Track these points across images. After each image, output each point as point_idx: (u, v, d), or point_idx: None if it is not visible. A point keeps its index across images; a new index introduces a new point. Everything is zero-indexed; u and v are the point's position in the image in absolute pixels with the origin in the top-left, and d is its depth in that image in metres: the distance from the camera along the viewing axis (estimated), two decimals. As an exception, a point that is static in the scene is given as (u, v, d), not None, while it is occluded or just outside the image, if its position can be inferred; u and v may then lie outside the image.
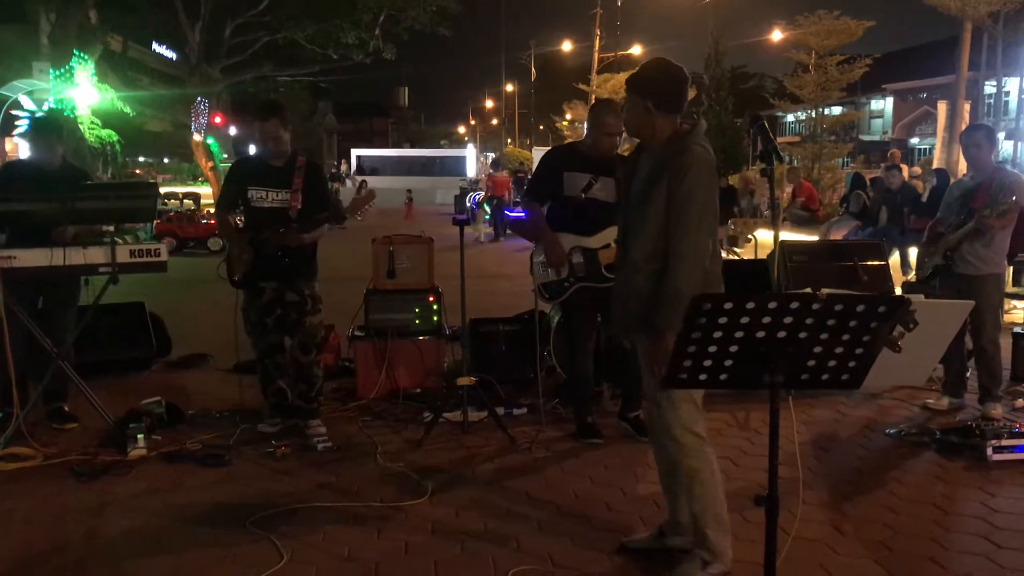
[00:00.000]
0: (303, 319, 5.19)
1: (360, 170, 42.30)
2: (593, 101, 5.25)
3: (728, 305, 2.33)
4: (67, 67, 18.39)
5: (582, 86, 38.94)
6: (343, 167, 46.37)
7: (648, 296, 3.32)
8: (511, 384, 6.08)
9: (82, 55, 18.96)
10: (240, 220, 5.39)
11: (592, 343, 5.23)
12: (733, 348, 2.41)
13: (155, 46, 41.17)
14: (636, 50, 42.33)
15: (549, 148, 5.96)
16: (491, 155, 48.38)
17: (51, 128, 5.40)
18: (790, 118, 39.49)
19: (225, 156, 37.58)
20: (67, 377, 5.29)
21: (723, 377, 2.49)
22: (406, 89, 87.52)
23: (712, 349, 2.41)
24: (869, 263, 6.76)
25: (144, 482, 4.48)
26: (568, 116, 47.29)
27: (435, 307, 6.14)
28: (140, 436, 4.93)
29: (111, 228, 5.59)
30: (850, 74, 23.56)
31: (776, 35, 31.16)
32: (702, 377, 2.49)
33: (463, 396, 5.18)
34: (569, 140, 48.24)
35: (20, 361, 5.10)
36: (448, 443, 5.08)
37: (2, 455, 4.73)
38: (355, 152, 46.62)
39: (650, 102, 3.36)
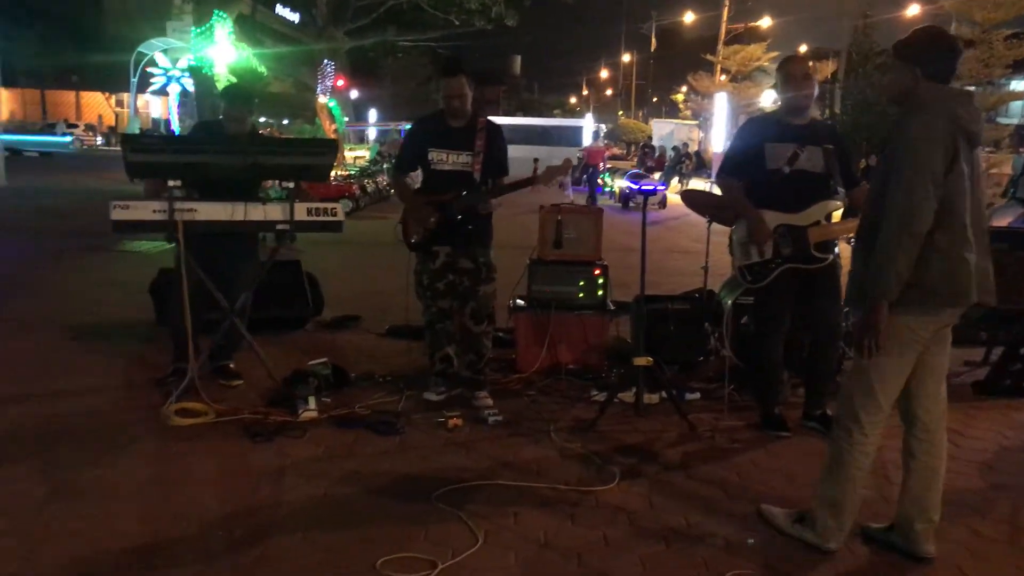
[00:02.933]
0: (477, 287, 5.02)
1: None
2: (783, 62, 4.70)
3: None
4: (208, 25, 18.72)
5: (709, 56, 37.79)
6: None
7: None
8: (677, 366, 5.80)
9: (221, 13, 19.29)
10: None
11: (785, 329, 4.89)
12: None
13: (279, 8, 41.97)
14: (766, 21, 40.94)
15: (748, 118, 5.57)
16: (602, 127, 47.76)
17: (243, 98, 5.29)
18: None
19: (346, 119, 38.18)
20: (237, 335, 5.26)
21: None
22: (519, 58, 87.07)
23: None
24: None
25: (319, 446, 4.39)
26: (683, 91, 46.22)
27: (601, 281, 5.88)
28: (311, 398, 4.86)
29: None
30: (1018, 50, 21.82)
31: (931, 7, 29.38)
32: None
33: (638, 377, 4.92)
34: (684, 113, 47.03)
35: (196, 316, 5.08)
36: (623, 425, 4.83)
37: (177, 409, 4.72)
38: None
39: (918, 69, 3.17)
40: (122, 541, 3.32)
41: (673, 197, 22.60)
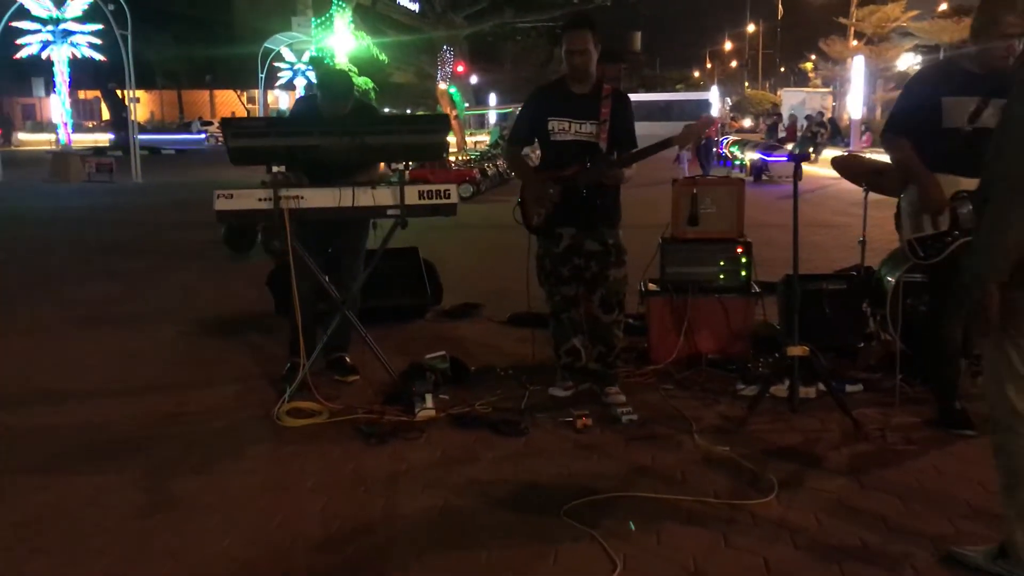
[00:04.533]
0: (606, 272, 4.54)
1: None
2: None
3: None
4: (327, 15, 18.83)
5: (842, 20, 35.86)
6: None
7: None
8: (833, 353, 5.16)
9: (340, 3, 19.39)
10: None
11: (964, 311, 4.20)
12: None
13: (399, -1, 42.34)
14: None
15: (920, 69, 4.85)
16: (728, 100, 46.15)
17: (339, 89, 4.83)
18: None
19: (467, 105, 38.22)
20: (350, 326, 4.95)
21: None
22: (639, 34, 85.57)
23: None
24: None
25: (437, 449, 4.01)
26: (812, 59, 44.13)
27: (744, 260, 5.30)
28: (428, 395, 4.50)
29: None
30: None
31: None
32: None
33: (793, 368, 4.33)
34: (814, 82, 44.89)
35: (307, 309, 4.80)
36: (776, 424, 4.26)
37: (288, 409, 4.44)
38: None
39: None
40: (221, 563, 3.01)
41: (810, 168, 21.44)
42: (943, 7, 38.16)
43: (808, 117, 28.96)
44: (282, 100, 50.12)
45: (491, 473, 3.75)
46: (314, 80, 23.06)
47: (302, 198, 4.38)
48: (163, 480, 3.70)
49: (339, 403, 4.59)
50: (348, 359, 5.19)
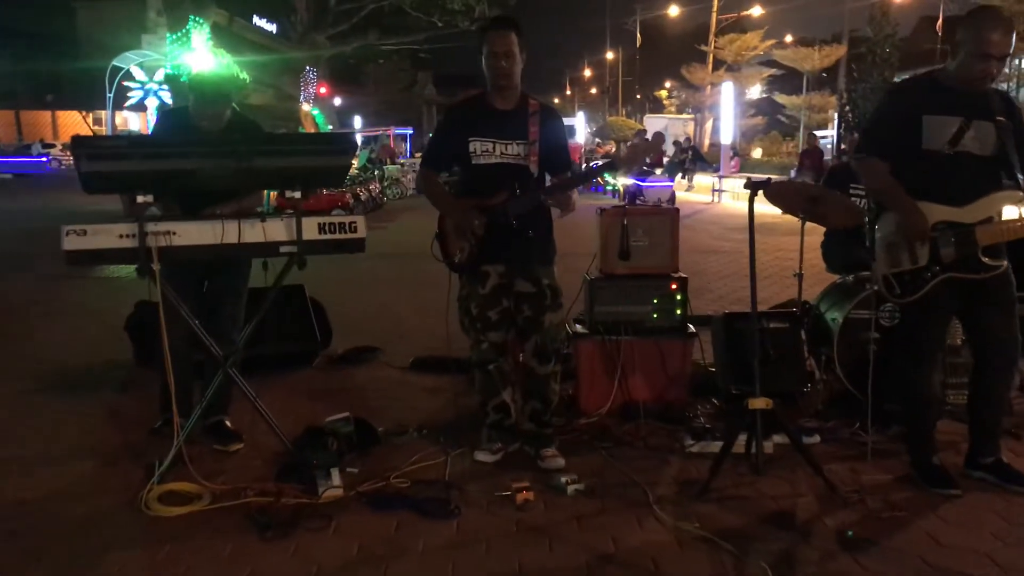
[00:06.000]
0: (541, 317, 3.93)
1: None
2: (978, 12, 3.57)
3: None
4: (184, 31, 17.56)
5: (703, 47, 36.79)
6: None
7: None
8: (778, 399, 4.70)
9: (198, 19, 18.14)
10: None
11: (943, 356, 3.82)
12: None
13: (256, 20, 40.93)
14: (757, 10, 40.00)
15: (899, 82, 4.44)
16: (591, 126, 46.70)
17: (218, 88, 4.16)
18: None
19: (331, 127, 37.13)
20: (232, 383, 4.13)
21: None
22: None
23: None
24: None
25: (352, 542, 3.26)
26: (667, 86, 45.29)
27: (679, 297, 4.79)
28: (334, 470, 3.75)
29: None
30: None
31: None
32: None
33: (756, 423, 3.81)
34: (668, 109, 46.01)
35: (181, 363, 3.97)
36: (741, 489, 3.72)
37: (161, 494, 3.61)
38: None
39: None
40: None
41: (681, 194, 21.62)
42: (788, 38, 40.00)
43: (676, 143, 29.37)
44: (132, 121, 47.46)
45: (423, 571, 3.05)
46: (169, 101, 21.53)
47: (175, 234, 3.56)
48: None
49: (223, 481, 3.78)
50: (229, 423, 4.38)
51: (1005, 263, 3.56)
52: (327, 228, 3.80)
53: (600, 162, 3.93)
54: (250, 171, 3.60)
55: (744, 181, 4.30)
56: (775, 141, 42.80)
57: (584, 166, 23.60)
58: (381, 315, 7.44)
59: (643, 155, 4.01)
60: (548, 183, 4.00)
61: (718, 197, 22.84)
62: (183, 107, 4.27)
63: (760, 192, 4.11)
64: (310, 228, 3.76)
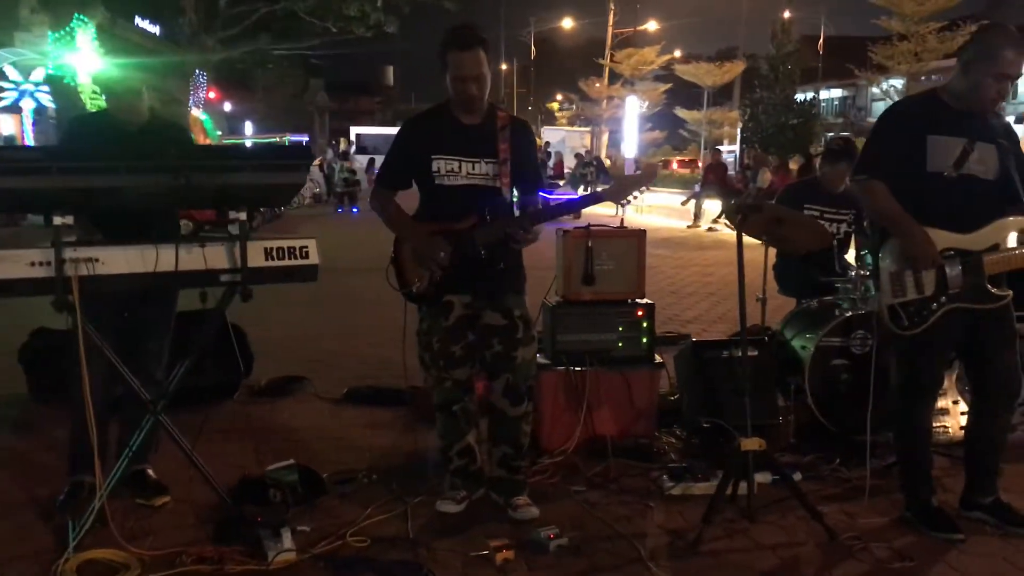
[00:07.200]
0: (513, 352, 3.55)
1: (361, 149, 40.39)
2: (983, 29, 3.36)
3: None
4: (68, 28, 16.45)
5: (600, 61, 37.09)
6: (343, 145, 44.59)
7: None
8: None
9: (82, 17, 17.06)
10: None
11: (940, 388, 3.63)
12: None
13: (138, 21, 39.25)
14: (652, 25, 40.68)
15: (899, 100, 4.23)
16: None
17: (128, 82, 3.68)
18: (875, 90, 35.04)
19: (219, 133, 35.81)
20: (158, 429, 3.61)
21: None
22: (392, 68, 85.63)
23: None
24: None
25: (316, 619, 2.83)
26: (558, 99, 45.65)
27: (645, 325, 4.51)
28: (284, 531, 3.28)
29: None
30: (951, 43, 21.26)
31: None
32: None
33: (748, 467, 3.54)
34: (560, 121, 46.25)
35: (97, 409, 3.43)
36: (735, 539, 3.43)
37: (80, 563, 3.07)
38: (354, 130, 44.57)
39: None
40: None
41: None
42: (678, 53, 40.94)
43: (577, 156, 29.42)
44: (4, 125, 44.71)
45: (409, 658, 2.64)
46: (48, 104, 20.15)
47: (99, 261, 3.05)
48: None
49: (152, 545, 3.26)
50: (152, 472, 3.85)
51: (1010, 293, 3.39)
52: (274, 254, 3.35)
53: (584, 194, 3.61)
54: (188, 189, 3.11)
55: (732, 203, 4.04)
56: (667, 154, 43.67)
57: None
58: (307, 339, 6.88)
59: (633, 188, 3.69)
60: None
61: (622, 210, 22.84)
62: (100, 112, 3.73)
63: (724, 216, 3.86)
64: (256, 254, 3.30)
